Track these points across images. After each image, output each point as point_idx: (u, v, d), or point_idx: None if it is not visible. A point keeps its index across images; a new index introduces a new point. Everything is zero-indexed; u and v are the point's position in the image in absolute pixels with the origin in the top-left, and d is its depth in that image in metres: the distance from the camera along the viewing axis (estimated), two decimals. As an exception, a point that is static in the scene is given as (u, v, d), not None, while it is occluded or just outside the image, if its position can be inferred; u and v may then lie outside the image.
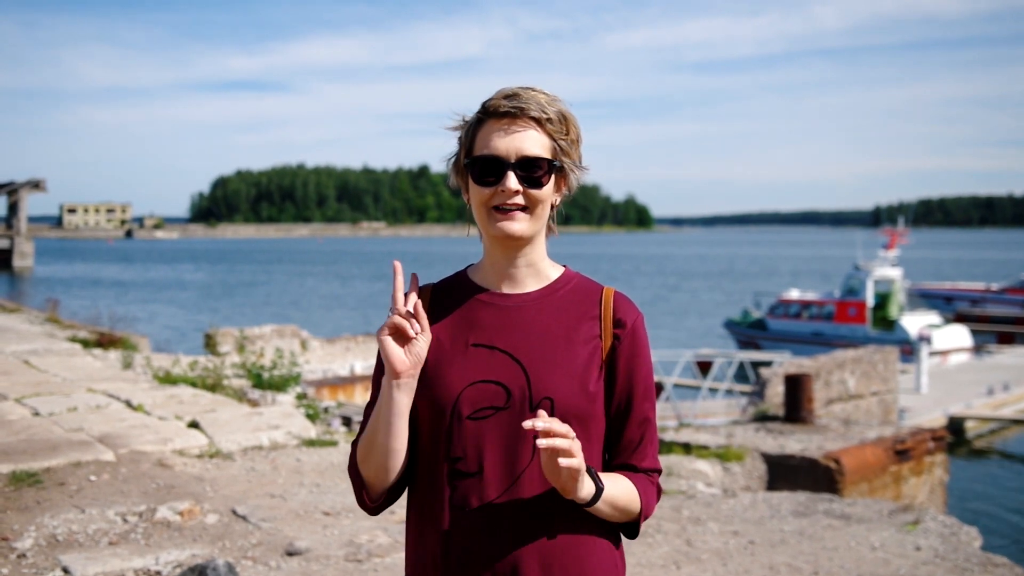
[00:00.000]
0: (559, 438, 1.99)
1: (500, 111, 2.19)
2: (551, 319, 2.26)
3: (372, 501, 2.29)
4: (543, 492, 2.17)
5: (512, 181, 2.18)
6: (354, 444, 2.31)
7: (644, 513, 2.27)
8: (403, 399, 2.19)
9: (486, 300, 2.29)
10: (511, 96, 2.20)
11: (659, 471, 2.33)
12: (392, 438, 2.20)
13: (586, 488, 2.10)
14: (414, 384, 2.21)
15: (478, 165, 2.20)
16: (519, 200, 2.20)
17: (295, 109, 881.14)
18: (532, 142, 2.19)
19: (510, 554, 2.15)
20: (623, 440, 2.29)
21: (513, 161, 2.18)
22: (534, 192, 2.20)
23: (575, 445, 2.02)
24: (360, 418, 11.14)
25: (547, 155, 2.21)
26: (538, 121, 2.20)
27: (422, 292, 2.35)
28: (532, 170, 2.19)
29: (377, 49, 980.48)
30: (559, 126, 2.22)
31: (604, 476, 2.20)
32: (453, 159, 2.30)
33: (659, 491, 2.33)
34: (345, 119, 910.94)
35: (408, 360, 2.19)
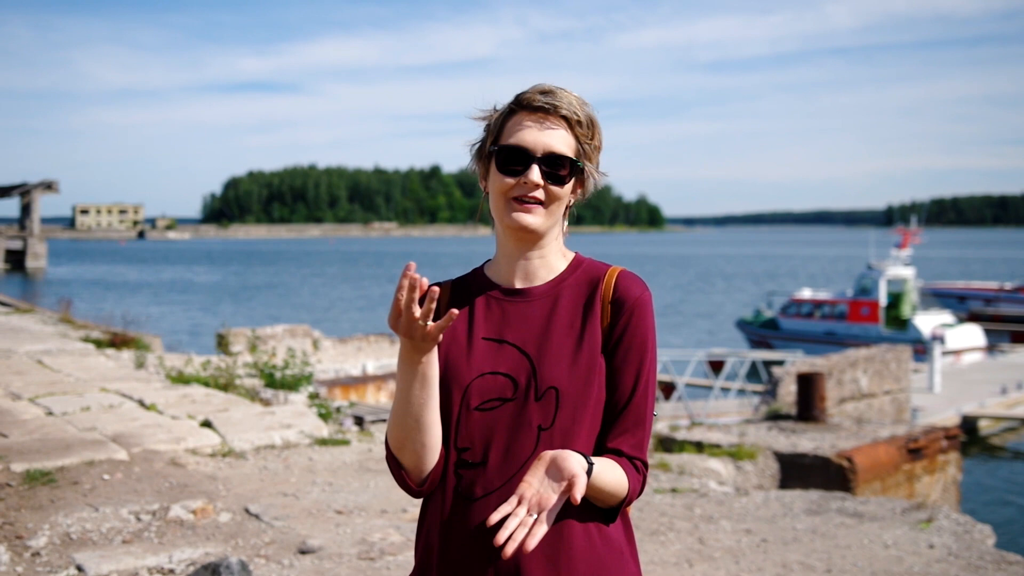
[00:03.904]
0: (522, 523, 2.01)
1: (534, 105, 2.24)
2: (559, 310, 2.28)
3: (417, 485, 2.24)
4: None
5: (535, 174, 2.21)
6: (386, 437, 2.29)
7: (628, 498, 2.22)
8: (426, 363, 2.13)
9: (497, 296, 2.32)
10: (546, 92, 2.25)
11: (645, 462, 2.26)
12: (422, 409, 2.16)
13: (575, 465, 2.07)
14: (433, 355, 2.14)
15: (504, 154, 2.24)
16: (539, 194, 2.23)
17: (306, 110, 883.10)
18: (560, 140, 2.23)
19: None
20: (613, 423, 2.24)
21: (539, 155, 2.22)
22: (554, 188, 2.24)
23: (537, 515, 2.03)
24: (373, 417, 11.16)
25: (572, 155, 2.25)
26: (568, 121, 2.25)
27: (442, 289, 2.37)
28: (556, 167, 2.23)
29: (388, 49, 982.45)
30: (587, 130, 2.27)
31: (595, 459, 2.16)
32: (478, 145, 2.34)
33: (643, 480, 2.26)
34: (356, 120, 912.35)
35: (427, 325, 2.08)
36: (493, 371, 2.23)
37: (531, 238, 2.28)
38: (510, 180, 2.23)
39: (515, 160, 2.22)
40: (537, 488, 2.04)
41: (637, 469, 2.24)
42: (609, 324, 2.25)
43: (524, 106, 2.25)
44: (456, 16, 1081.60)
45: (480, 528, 2.17)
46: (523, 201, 2.23)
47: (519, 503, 2.02)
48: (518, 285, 2.32)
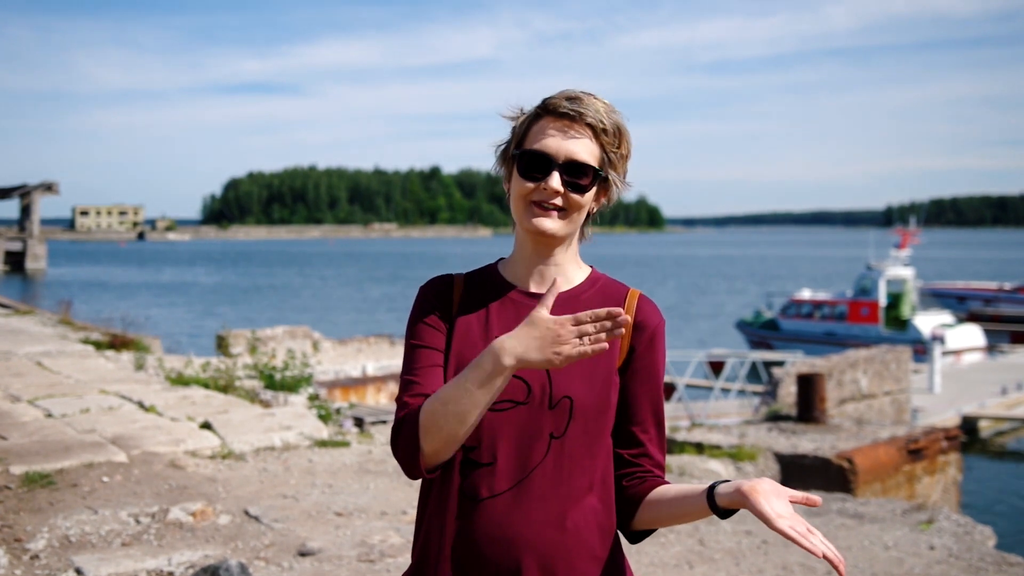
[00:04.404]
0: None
1: (559, 111, 2.21)
2: None
3: (427, 470, 2.15)
4: (553, 489, 2.17)
5: (556, 181, 2.19)
6: (410, 414, 2.16)
7: None
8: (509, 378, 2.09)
9: (515, 297, 2.31)
10: (573, 99, 2.22)
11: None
12: (476, 410, 2.07)
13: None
14: None
15: (526, 158, 2.22)
16: (558, 201, 2.21)
17: (307, 111, 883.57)
18: (583, 148, 2.21)
19: (514, 547, 2.15)
20: (637, 444, 2.30)
21: (561, 162, 2.20)
22: (575, 196, 2.22)
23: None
24: (373, 418, 11.14)
25: (595, 163, 2.22)
26: (594, 129, 2.22)
27: (455, 282, 2.35)
28: (577, 175, 2.20)
29: (388, 51, 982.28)
30: (613, 138, 2.24)
31: (681, 487, 2.23)
32: (503, 147, 2.32)
33: None
34: (356, 121, 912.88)
35: None
36: None
37: (549, 242, 2.27)
38: (530, 185, 2.21)
39: (536, 166, 2.20)
40: (791, 514, 2.05)
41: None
42: (631, 347, 2.27)
43: (550, 111, 2.22)
44: (456, 18, 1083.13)
45: (485, 529, 2.16)
46: (543, 206, 2.22)
47: (810, 531, 2.02)
48: (534, 289, 2.31)
